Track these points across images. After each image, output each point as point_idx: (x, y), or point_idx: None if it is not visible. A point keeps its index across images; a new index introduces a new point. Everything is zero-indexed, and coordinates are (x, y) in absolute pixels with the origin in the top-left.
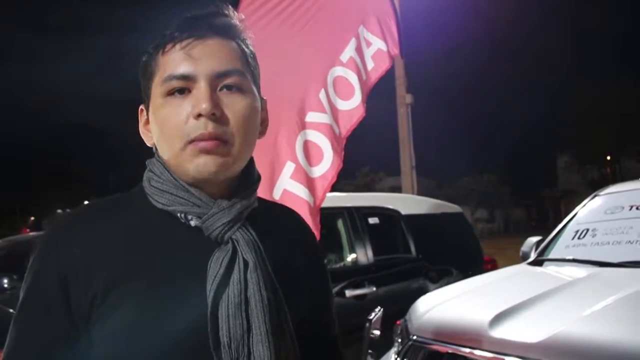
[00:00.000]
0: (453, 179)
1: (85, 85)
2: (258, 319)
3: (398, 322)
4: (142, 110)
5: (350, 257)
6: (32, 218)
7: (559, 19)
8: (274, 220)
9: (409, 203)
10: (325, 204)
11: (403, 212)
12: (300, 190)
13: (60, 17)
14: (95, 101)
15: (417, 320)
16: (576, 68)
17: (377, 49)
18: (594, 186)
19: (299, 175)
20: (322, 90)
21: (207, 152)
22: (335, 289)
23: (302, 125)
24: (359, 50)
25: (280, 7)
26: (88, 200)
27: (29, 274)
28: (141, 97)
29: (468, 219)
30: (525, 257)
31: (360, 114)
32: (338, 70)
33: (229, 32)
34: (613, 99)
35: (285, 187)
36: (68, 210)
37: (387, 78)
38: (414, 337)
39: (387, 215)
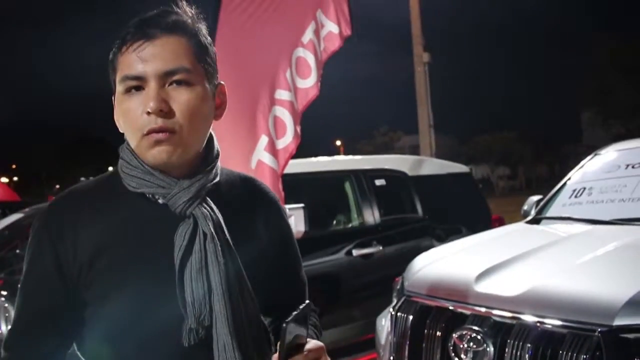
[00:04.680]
0: (473, 136)
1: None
2: (215, 282)
3: (397, 279)
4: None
5: (358, 218)
6: (58, 186)
7: None
8: (238, 191)
9: (415, 164)
10: (332, 167)
11: (409, 173)
12: (270, 161)
13: None
14: None
15: (412, 277)
16: (599, 18)
17: (328, 31)
18: (619, 142)
19: (270, 147)
20: (288, 70)
21: (159, 143)
22: (343, 249)
23: (273, 102)
24: (316, 32)
25: None
26: (111, 167)
27: (29, 252)
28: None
29: (475, 179)
30: (526, 215)
31: (315, 92)
32: (299, 51)
33: (178, 29)
34: (638, 50)
35: (260, 157)
36: (91, 177)
37: (405, 37)
38: (408, 293)
39: (394, 176)
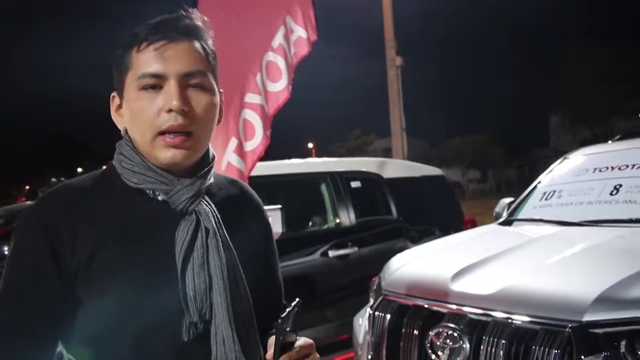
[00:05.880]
0: (445, 139)
1: (83, 53)
2: (216, 276)
3: (374, 279)
4: (114, 97)
5: (333, 220)
6: (28, 187)
7: None
8: (227, 192)
9: (390, 167)
10: (309, 169)
11: (384, 175)
12: (238, 162)
13: None
14: (93, 69)
15: (389, 277)
16: (570, 25)
17: (298, 36)
18: (585, 146)
19: (238, 149)
20: (259, 74)
21: (174, 146)
22: (319, 250)
23: (242, 105)
24: (286, 37)
25: None
26: (82, 168)
27: (16, 249)
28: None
29: (448, 181)
30: (498, 217)
31: (286, 95)
32: (270, 56)
33: (194, 34)
34: (605, 58)
35: (229, 159)
36: (62, 178)
37: (378, 40)
38: (385, 292)
39: (369, 179)
